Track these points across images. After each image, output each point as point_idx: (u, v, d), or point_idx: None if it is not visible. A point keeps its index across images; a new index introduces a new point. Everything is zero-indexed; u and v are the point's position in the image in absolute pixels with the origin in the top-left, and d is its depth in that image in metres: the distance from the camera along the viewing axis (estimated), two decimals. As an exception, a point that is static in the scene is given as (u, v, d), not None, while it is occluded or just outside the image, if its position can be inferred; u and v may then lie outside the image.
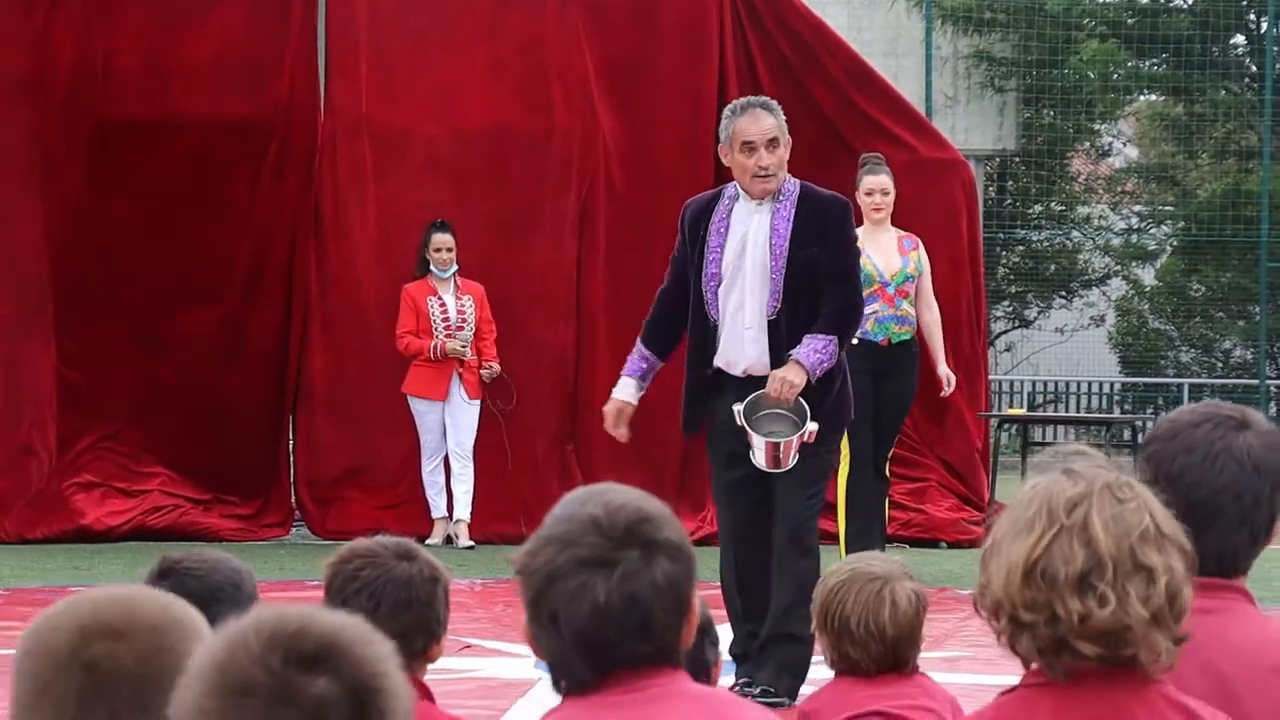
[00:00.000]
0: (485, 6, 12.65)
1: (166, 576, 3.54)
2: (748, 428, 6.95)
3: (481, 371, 12.22)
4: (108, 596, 2.22)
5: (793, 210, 7.06)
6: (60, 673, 2.16)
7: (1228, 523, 2.82)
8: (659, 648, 2.56)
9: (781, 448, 6.99)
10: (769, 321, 7.04)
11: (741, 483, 7.10)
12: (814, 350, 7.00)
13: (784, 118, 7.15)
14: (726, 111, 7.19)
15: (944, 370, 10.68)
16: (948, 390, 10.71)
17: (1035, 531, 2.42)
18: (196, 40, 12.28)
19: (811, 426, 6.98)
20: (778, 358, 7.01)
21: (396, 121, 12.56)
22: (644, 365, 7.29)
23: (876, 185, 10.54)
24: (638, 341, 7.37)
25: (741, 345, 7.09)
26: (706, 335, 7.13)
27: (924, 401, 12.24)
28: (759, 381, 7.03)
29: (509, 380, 12.31)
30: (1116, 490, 2.44)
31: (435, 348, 12.03)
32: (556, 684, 2.63)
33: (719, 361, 7.12)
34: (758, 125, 7.02)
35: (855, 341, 10.32)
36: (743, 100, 7.25)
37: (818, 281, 7.05)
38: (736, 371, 7.10)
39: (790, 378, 6.93)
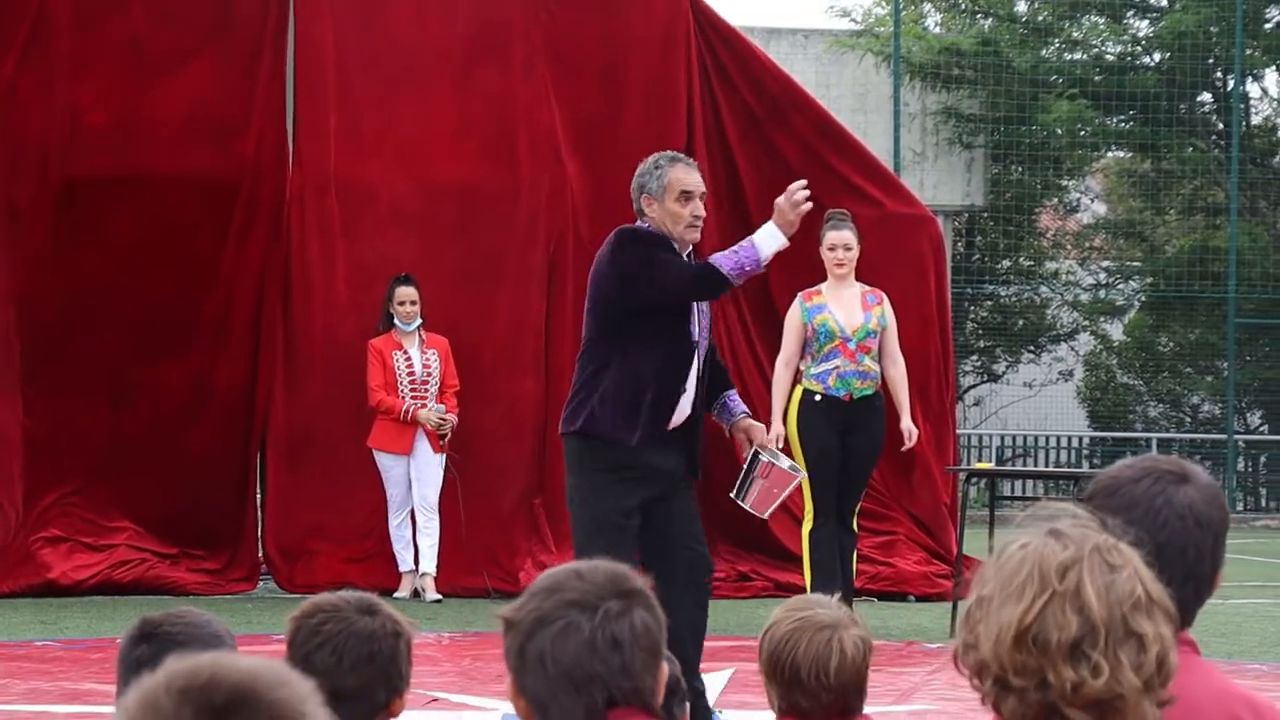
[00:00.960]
0: (453, 62, 12.69)
1: (149, 640, 3.55)
2: (783, 466, 7.38)
3: (436, 419, 12.17)
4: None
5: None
6: None
7: (1173, 577, 2.83)
8: (639, 693, 2.71)
9: (775, 480, 7.35)
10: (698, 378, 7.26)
11: (633, 534, 7.08)
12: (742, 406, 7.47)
13: None
14: (650, 162, 7.25)
15: (907, 424, 10.70)
16: (910, 443, 10.73)
17: (1027, 596, 2.40)
18: (165, 97, 12.30)
19: (802, 474, 7.57)
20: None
21: (364, 177, 12.59)
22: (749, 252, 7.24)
23: (839, 240, 10.59)
24: (724, 260, 7.19)
25: (688, 401, 7.19)
26: (679, 360, 7.19)
27: (892, 456, 12.26)
28: (677, 438, 7.16)
29: (452, 429, 12.27)
30: (1106, 555, 2.44)
31: (406, 412, 12.05)
32: None
33: (675, 419, 7.15)
34: (692, 177, 7.16)
35: (818, 398, 10.43)
36: (669, 153, 7.35)
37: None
38: (674, 419, 7.17)
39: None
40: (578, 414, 7.14)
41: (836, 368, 10.42)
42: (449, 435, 12.22)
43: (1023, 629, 2.39)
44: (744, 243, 7.10)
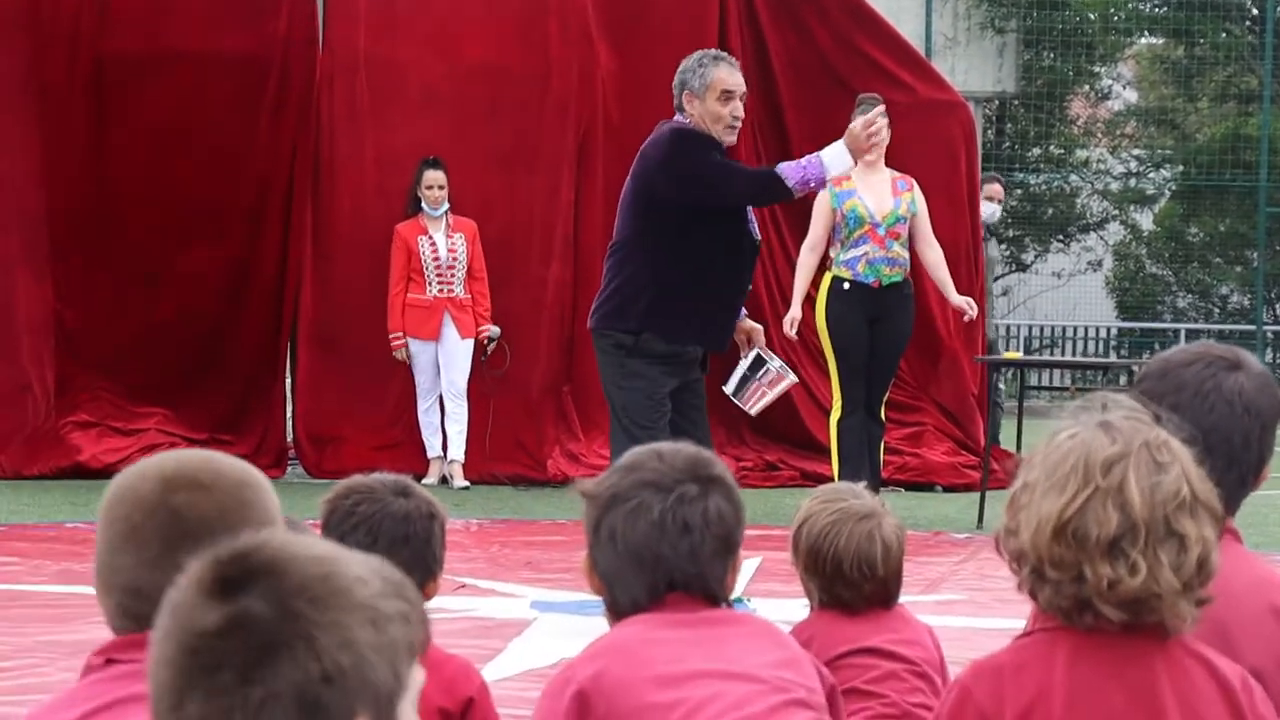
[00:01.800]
0: (484, -58, 12.56)
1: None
2: (775, 364, 7.38)
3: (482, 334, 12.21)
4: (192, 454, 2.48)
5: None
6: (147, 517, 2.37)
7: (1217, 463, 2.80)
8: (705, 580, 2.74)
9: (775, 382, 7.30)
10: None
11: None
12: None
13: None
14: (695, 59, 7.30)
15: (958, 299, 10.60)
16: (971, 314, 10.63)
17: (1070, 489, 2.38)
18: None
19: (793, 378, 7.58)
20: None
21: (394, 58, 12.49)
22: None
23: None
24: (790, 170, 7.33)
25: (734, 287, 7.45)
26: (744, 257, 7.37)
27: (920, 345, 12.24)
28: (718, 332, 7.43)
29: (505, 345, 12.29)
30: (1155, 452, 2.41)
31: (398, 351, 12.08)
32: (612, 607, 2.81)
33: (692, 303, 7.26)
34: (735, 78, 7.19)
35: (846, 285, 10.38)
36: (712, 51, 7.43)
37: None
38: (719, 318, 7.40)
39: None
40: (625, 311, 7.17)
41: (865, 254, 10.36)
42: (492, 350, 12.24)
43: (1063, 522, 2.38)
44: (812, 157, 7.20)
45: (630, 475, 2.76)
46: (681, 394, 7.16)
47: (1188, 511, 2.39)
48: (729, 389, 7.57)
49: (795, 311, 10.45)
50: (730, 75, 7.18)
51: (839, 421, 10.35)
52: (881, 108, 7.23)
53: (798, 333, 10.59)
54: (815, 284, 10.58)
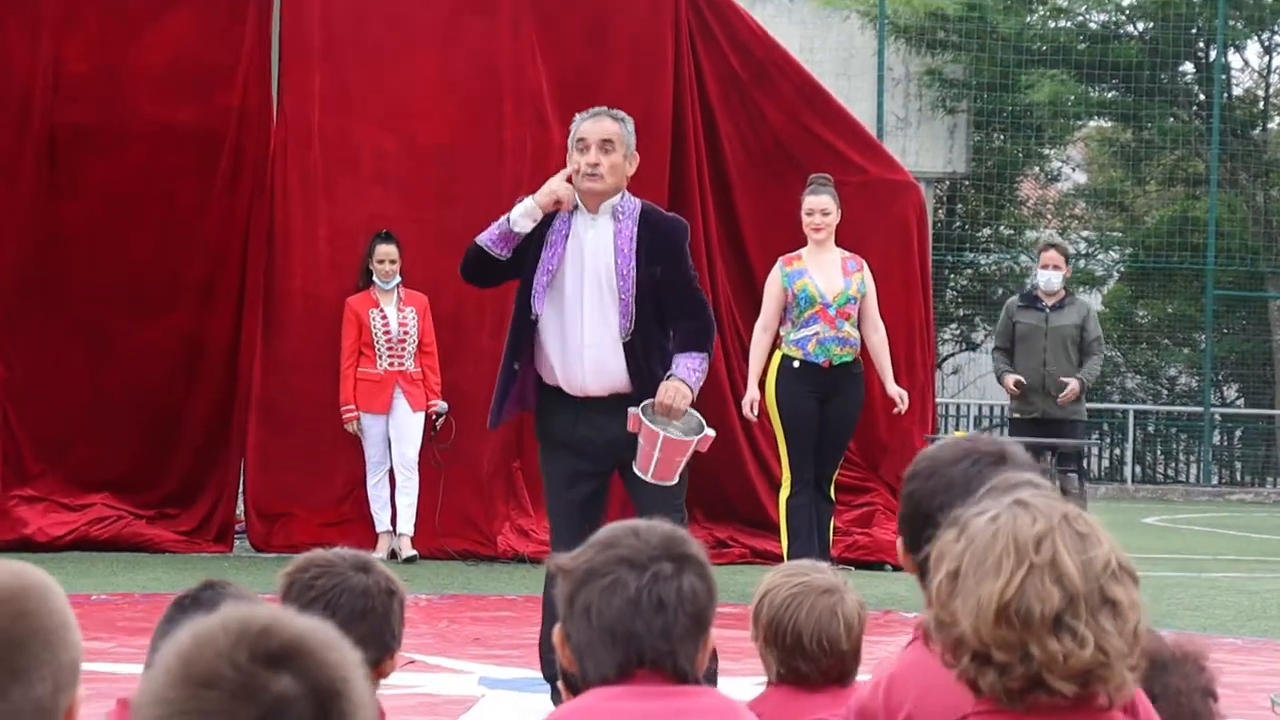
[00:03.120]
0: (439, 20, 12.61)
1: (197, 603, 3.45)
2: (651, 425, 6.78)
3: (431, 409, 12.20)
4: None
5: (635, 229, 6.96)
6: None
7: None
8: (676, 657, 2.77)
9: (666, 449, 6.79)
10: (624, 343, 6.92)
11: (591, 500, 6.96)
12: (690, 370, 6.90)
13: (633, 132, 7.07)
14: (576, 115, 7.14)
15: (894, 388, 10.69)
16: (902, 407, 10.72)
17: (1005, 571, 2.38)
18: (149, 46, 12.21)
19: (709, 432, 6.89)
20: (639, 378, 6.91)
21: (348, 133, 12.51)
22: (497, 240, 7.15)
23: (817, 205, 10.58)
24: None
25: (581, 363, 6.94)
26: (523, 330, 7.04)
27: (870, 424, 12.26)
28: (597, 402, 6.92)
29: (452, 420, 12.28)
30: (1074, 523, 2.43)
31: (350, 424, 12.06)
32: (580, 681, 2.83)
33: (554, 379, 6.99)
34: (595, 125, 6.97)
35: (796, 364, 10.41)
36: (595, 109, 7.16)
37: (660, 301, 6.96)
38: (574, 391, 6.96)
39: (679, 388, 6.82)
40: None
41: (816, 334, 10.41)
42: (440, 425, 12.22)
43: (1004, 603, 2.37)
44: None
45: (606, 551, 2.79)
46: (626, 473, 7.02)
47: (1117, 579, 2.41)
48: (635, 465, 7.14)
49: (753, 392, 10.48)
50: (588, 124, 6.97)
51: (788, 500, 10.37)
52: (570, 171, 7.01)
53: (757, 414, 10.60)
54: (766, 363, 10.60)
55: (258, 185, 12.38)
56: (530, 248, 6.96)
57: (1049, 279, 12.69)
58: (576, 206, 6.98)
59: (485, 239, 7.02)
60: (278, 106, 12.46)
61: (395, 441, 12.16)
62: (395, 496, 12.16)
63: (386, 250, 12.11)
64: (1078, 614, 2.36)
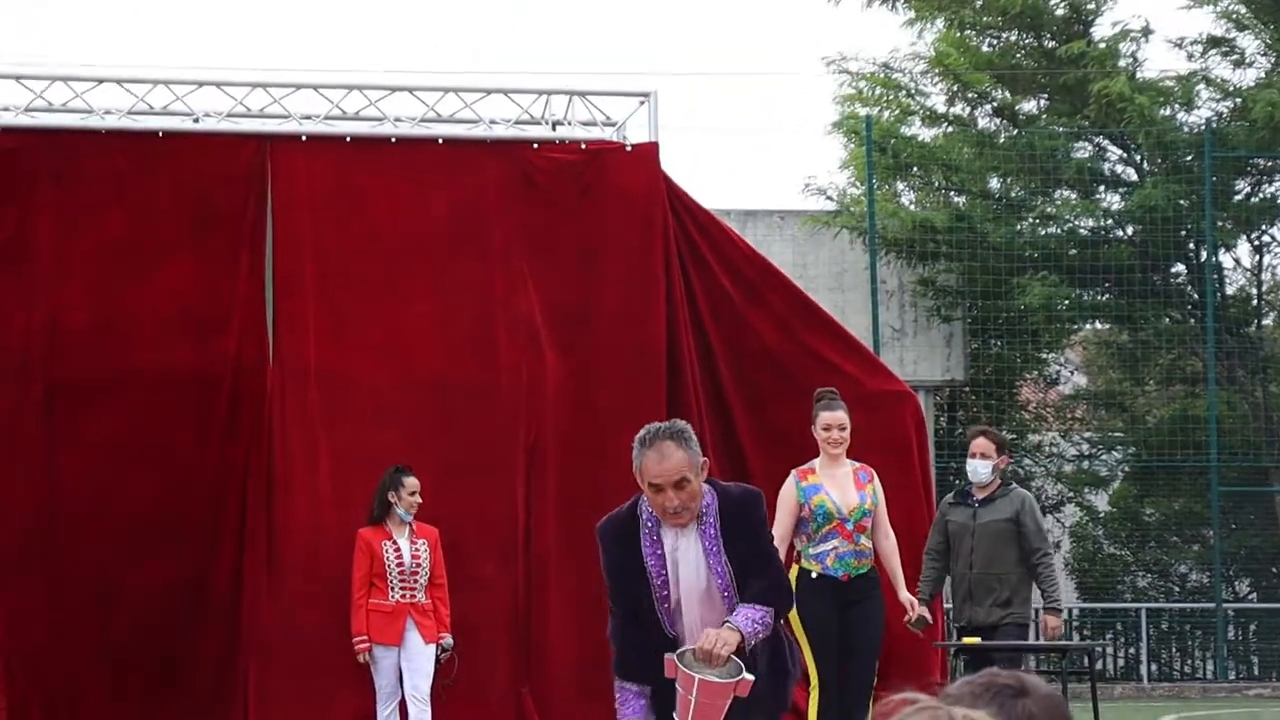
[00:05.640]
0: (430, 252, 12.80)
1: None
2: (687, 670, 6.72)
3: (440, 643, 12.19)
4: None
5: (717, 525, 6.94)
6: None
7: None
8: None
9: (704, 693, 6.71)
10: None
11: None
12: (750, 619, 6.87)
13: (695, 441, 6.92)
14: (636, 440, 6.93)
15: (906, 595, 10.74)
16: (913, 615, 10.75)
17: None
18: (145, 296, 12.36)
19: (748, 677, 6.77)
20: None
21: (345, 369, 12.63)
22: (643, 700, 7.03)
23: (834, 421, 10.67)
24: (619, 683, 7.06)
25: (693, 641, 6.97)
26: (663, 644, 6.98)
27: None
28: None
29: (455, 656, 12.27)
30: None
31: (362, 655, 12.04)
32: None
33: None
34: (662, 465, 6.78)
35: (815, 575, 10.44)
36: (652, 429, 6.94)
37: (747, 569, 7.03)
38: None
39: (725, 636, 6.77)
40: None
41: (835, 548, 10.46)
42: (444, 659, 12.20)
43: None
44: (633, 700, 6.95)
45: None
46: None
47: None
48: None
49: None
50: (656, 464, 6.76)
51: (819, 708, 10.36)
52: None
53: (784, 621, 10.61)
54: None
55: (255, 426, 12.47)
56: (634, 575, 6.95)
57: (975, 469, 11.43)
58: (658, 519, 6.95)
59: (616, 691, 7.05)
60: (273, 346, 12.60)
61: (408, 674, 12.13)
62: (408, 729, 12.11)
63: (414, 483, 12.11)
64: None
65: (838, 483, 10.61)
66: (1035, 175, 26.95)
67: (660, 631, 7.01)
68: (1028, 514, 11.36)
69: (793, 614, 10.28)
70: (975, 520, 11.33)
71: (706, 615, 7.00)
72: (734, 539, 6.96)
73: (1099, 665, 23.17)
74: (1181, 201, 26.46)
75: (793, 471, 10.69)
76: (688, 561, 6.95)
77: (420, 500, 12.13)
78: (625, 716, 7.00)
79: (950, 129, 28.18)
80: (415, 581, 12.14)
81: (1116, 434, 28.72)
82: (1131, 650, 27.39)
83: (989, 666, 10.35)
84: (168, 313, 12.36)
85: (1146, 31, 26.91)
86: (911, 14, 27.41)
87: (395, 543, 12.14)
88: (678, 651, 6.81)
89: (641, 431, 6.93)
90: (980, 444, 11.43)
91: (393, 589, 12.11)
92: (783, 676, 7.20)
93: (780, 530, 10.52)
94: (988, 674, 3.07)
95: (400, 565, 12.11)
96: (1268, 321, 29.23)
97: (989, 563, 11.28)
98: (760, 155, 50.25)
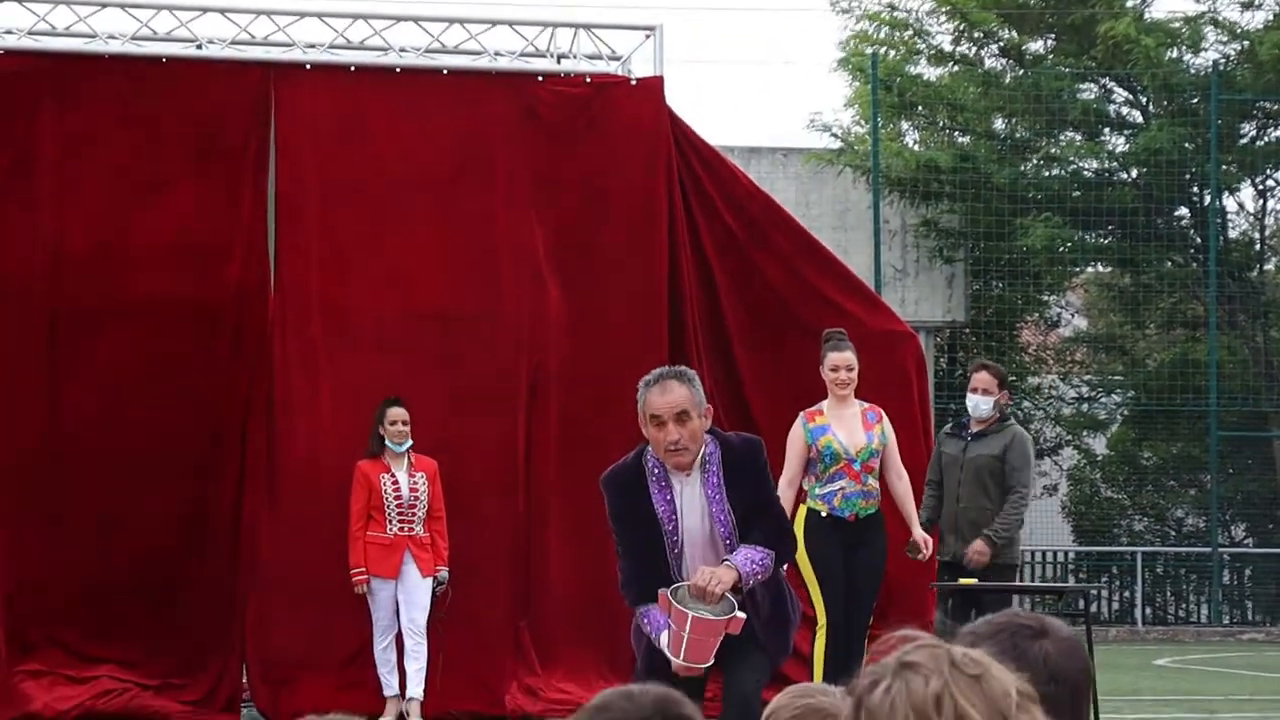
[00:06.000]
0: (435, 184, 12.75)
1: None
2: (680, 606, 6.79)
3: (435, 576, 12.20)
4: None
5: (720, 474, 7.03)
6: None
7: None
8: None
9: (696, 629, 6.77)
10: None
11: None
12: (749, 560, 6.96)
13: (700, 385, 7.03)
14: (641, 382, 7.05)
15: (919, 533, 10.76)
16: (926, 553, 10.76)
17: None
18: (148, 224, 12.31)
19: (740, 615, 6.84)
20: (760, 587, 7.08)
21: (347, 300, 12.60)
22: (661, 619, 7.03)
23: (841, 361, 10.68)
24: (640, 610, 7.09)
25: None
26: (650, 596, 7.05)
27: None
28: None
29: (449, 589, 12.26)
30: (965, 668, 2.40)
31: (359, 587, 12.05)
32: None
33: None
34: (665, 399, 6.89)
35: (823, 514, 10.44)
36: (657, 371, 7.10)
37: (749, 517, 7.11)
38: None
39: (720, 574, 6.86)
40: None
41: (842, 489, 10.48)
42: (440, 591, 12.21)
43: None
44: (659, 616, 6.91)
45: (599, 715, 2.78)
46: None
47: (1022, 707, 2.39)
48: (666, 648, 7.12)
49: None
50: (660, 397, 6.89)
51: (825, 647, 10.38)
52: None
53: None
54: (790, 516, 10.64)
55: (258, 355, 12.45)
56: (644, 523, 7.00)
57: (975, 404, 11.25)
58: (663, 466, 7.02)
59: (639, 616, 7.06)
60: (275, 276, 12.57)
61: (404, 606, 12.14)
62: (404, 661, 12.13)
63: (398, 413, 12.15)
64: None
65: (845, 423, 10.62)
66: (1040, 116, 26.88)
67: (669, 577, 7.05)
68: (1014, 450, 11.09)
69: (801, 554, 10.32)
70: (965, 454, 11.16)
71: (709, 562, 7.04)
72: (737, 487, 7.04)
73: (1094, 608, 23.21)
74: (1186, 145, 26.39)
75: (800, 414, 10.70)
76: (692, 509, 7.03)
77: (406, 430, 12.12)
78: (652, 630, 7.00)
79: (956, 68, 28.08)
80: (413, 514, 12.15)
81: (1116, 377, 28.73)
82: (1127, 594, 27.46)
83: (977, 607, 10.25)
84: (170, 240, 12.32)
85: (1155, -28, 26.76)
86: (919, -48, 27.28)
87: (393, 475, 12.14)
88: (672, 588, 6.84)
89: (647, 375, 7.00)
90: (982, 378, 11.25)
91: (390, 522, 12.12)
92: (784, 623, 7.24)
93: (790, 473, 10.53)
94: (1009, 613, 3.05)
95: (398, 498, 12.11)
96: (1270, 266, 29.20)
97: (973, 498, 11.10)
98: (765, 92, 50.08)
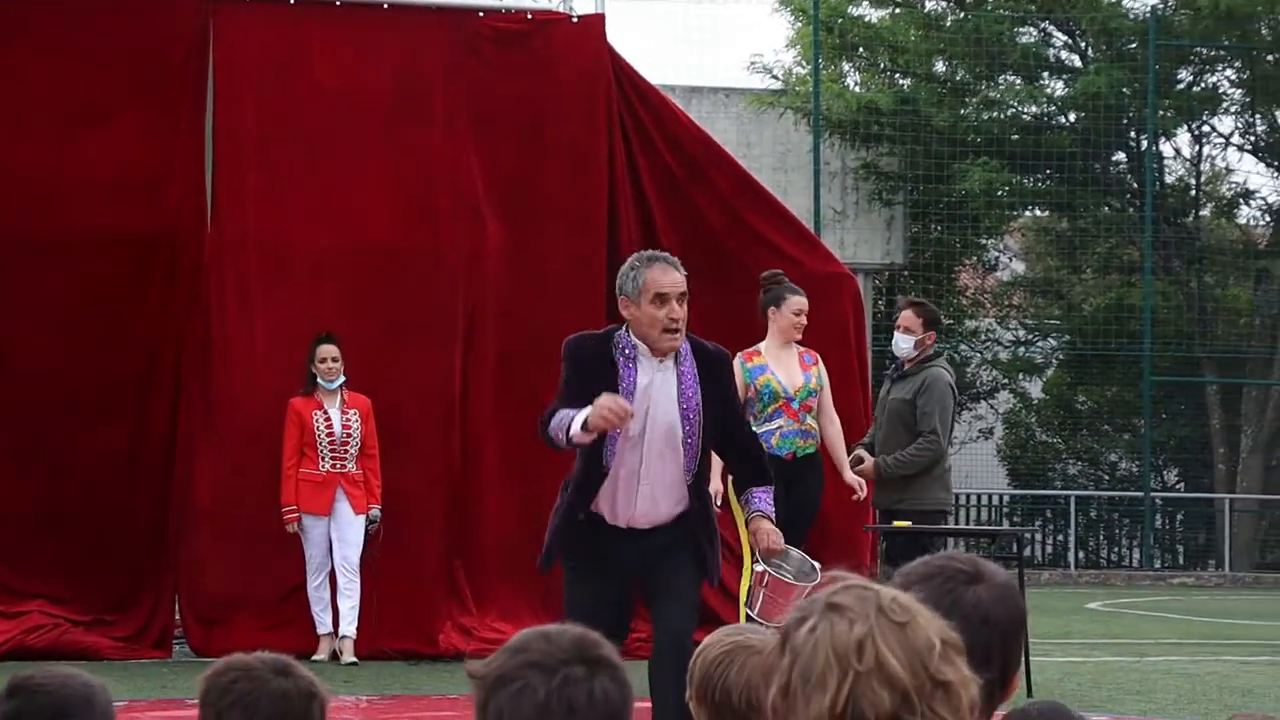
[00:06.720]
0: (374, 118, 12.66)
1: (15, 694, 3.49)
2: (778, 575, 7.15)
3: (370, 513, 12.17)
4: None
5: (694, 369, 7.01)
6: None
7: None
8: None
9: (773, 589, 7.14)
10: (688, 484, 7.05)
11: (605, 598, 6.97)
12: (767, 502, 7.19)
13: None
14: (631, 262, 7.03)
15: (852, 478, 10.80)
16: (860, 495, 10.81)
17: (831, 684, 2.33)
18: (86, 154, 12.18)
19: (819, 578, 7.02)
20: (692, 510, 7.06)
21: (285, 233, 12.51)
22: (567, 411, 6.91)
23: (802, 306, 10.78)
24: (550, 425, 6.97)
25: (631, 500, 7.00)
26: (592, 480, 7.01)
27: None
28: (641, 533, 7.01)
29: (381, 527, 12.23)
30: (891, 615, 2.38)
31: (291, 525, 12.02)
32: None
33: (598, 508, 7.04)
34: (669, 277, 6.91)
35: (761, 453, 10.48)
36: (648, 253, 7.10)
37: (718, 436, 7.09)
38: (618, 521, 7.03)
39: (768, 528, 7.13)
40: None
41: (780, 427, 10.53)
42: (372, 530, 12.18)
43: (836, 717, 2.32)
44: (570, 415, 6.78)
45: (517, 657, 2.74)
46: (649, 578, 7.05)
47: (945, 658, 2.37)
48: (743, 602, 7.36)
49: (715, 484, 10.49)
50: (663, 275, 6.88)
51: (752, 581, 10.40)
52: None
53: (720, 504, 10.63)
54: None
55: (194, 290, 12.36)
56: (591, 394, 6.83)
57: (896, 341, 10.98)
58: (637, 350, 6.97)
59: (551, 433, 6.91)
60: (212, 208, 12.47)
61: (337, 543, 12.12)
62: (337, 599, 12.11)
63: (328, 350, 12.11)
64: (913, 709, 2.32)
65: (783, 364, 10.68)
66: (980, 60, 26.89)
67: (597, 460, 6.98)
68: (924, 393, 10.69)
69: (734, 497, 10.32)
70: (888, 396, 10.96)
71: (659, 459, 7.00)
72: (711, 386, 7.02)
73: (1027, 552, 23.34)
74: (1124, 90, 26.47)
75: (738, 355, 10.68)
76: (665, 396, 6.97)
77: (337, 368, 12.08)
78: (569, 419, 6.84)
79: (898, 10, 28.05)
80: (346, 451, 12.11)
81: (1052, 321, 28.88)
82: (1060, 537, 27.65)
83: (911, 551, 10.38)
84: (107, 173, 12.20)
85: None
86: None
87: (326, 412, 12.10)
88: (755, 559, 7.18)
89: (633, 257, 7.03)
90: (905, 317, 10.97)
91: (323, 458, 12.08)
92: (715, 544, 7.24)
93: (728, 414, 10.53)
94: (945, 556, 3.03)
95: (330, 435, 12.07)
96: (1205, 212, 29.35)
97: (886, 441, 10.85)
98: (707, 31, 49.98)
